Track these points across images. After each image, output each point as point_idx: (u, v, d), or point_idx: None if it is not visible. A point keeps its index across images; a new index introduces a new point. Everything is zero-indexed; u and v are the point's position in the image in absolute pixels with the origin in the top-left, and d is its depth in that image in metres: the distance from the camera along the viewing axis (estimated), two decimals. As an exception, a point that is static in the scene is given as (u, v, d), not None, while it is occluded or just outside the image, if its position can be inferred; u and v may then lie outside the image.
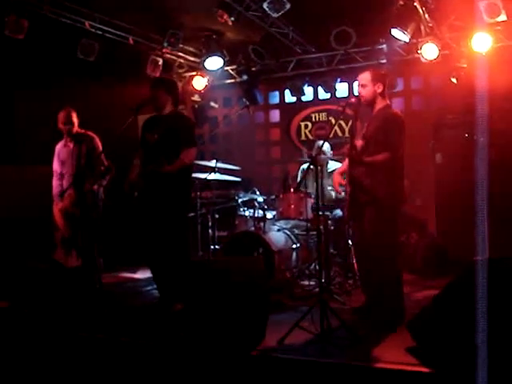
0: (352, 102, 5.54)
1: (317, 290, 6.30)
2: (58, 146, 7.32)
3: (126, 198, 6.41)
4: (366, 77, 5.46)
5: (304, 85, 9.72)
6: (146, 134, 5.97)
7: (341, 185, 5.80)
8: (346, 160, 5.82)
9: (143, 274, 8.28)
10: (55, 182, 7.24)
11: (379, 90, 5.42)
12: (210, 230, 7.75)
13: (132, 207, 6.09)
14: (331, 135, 9.33)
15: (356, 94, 5.79)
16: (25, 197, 7.98)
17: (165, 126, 5.82)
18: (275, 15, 7.05)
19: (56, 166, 7.28)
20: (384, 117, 5.38)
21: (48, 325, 5.16)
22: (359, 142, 5.41)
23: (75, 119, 7.19)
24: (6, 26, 6.64)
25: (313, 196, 7.10)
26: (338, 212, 7.44)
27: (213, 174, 7.48)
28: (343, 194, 6.32)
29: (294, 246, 7.17)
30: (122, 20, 7.93)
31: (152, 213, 5.78)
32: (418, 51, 8.16)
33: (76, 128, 7.20)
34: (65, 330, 5.05)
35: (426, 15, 7.46)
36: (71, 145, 7.18)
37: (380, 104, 5.46)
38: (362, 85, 5.46)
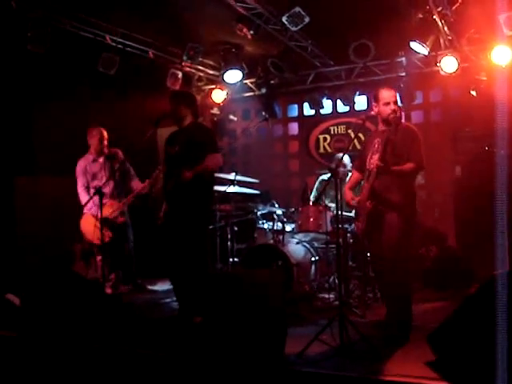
0: (372, 115, 5.48)
1: (336, 303, 6.29)
2: (84, 161, 7.54)
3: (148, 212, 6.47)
4: (393, 93, 5.37)
5: (323, 98, 9.72)
6: (168, 148, 6.02)
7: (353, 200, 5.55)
8: (354, 174, 5.81)
9: (162, 286, 8.30)
10: (85, 196, 7.35)
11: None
12: (228, 243, 7.76)
13: (153, 220, 6.12)
14: (350, 148, 9.30)
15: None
16: (42, 208, 8.04)
17: (185, 137, 5.87)
18: (294, 29, 7.08)
19: (84, 180, 7.47)
20: (405, 130, 5.34)
21: (67, 336, 5.17)
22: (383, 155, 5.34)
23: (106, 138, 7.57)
24: (28, 41, 6.72)
25: (332, 209, 7.10)
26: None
27: (232, 186, 7.51)
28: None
29: (313, 258, 7.15)
30: (142, 34, 8.00)
31: (174, 225, 5.81)
32: (438, 64, 8.13)
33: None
34: (83, 341, 5.06)
35: (446, 28, 7.44)
36: (101, 160, 7.51)
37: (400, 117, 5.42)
38: (395, 102, 5.33)
